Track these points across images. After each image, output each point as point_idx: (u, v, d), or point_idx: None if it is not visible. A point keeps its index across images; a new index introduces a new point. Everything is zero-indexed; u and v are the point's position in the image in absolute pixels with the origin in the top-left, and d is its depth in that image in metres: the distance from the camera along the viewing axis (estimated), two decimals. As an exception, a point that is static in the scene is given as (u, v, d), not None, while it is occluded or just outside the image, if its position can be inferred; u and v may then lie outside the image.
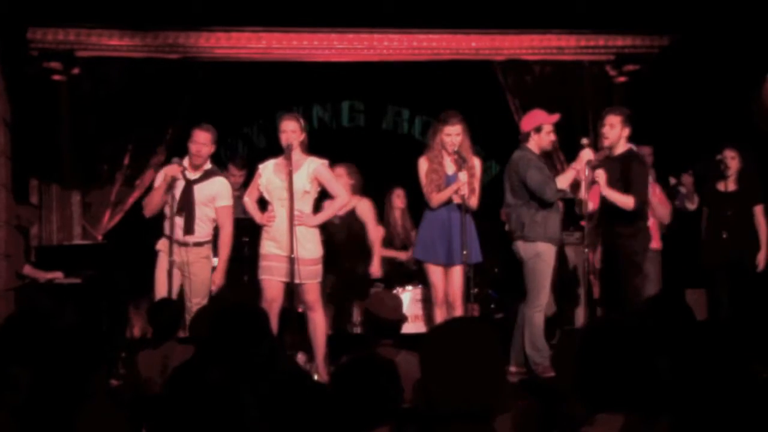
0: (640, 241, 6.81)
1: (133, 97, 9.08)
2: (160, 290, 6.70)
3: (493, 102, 9.61)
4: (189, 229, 6.78)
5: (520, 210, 6.80)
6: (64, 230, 9.11)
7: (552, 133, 6.92)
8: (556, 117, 6.95)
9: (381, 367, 2.88)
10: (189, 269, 6.79)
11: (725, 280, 7.71)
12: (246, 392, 2.66)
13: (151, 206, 6.92)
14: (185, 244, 6.79)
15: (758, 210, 7.75)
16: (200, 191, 6.85)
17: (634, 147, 6.97)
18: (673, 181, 8.45)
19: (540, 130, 6.88)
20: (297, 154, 6.65)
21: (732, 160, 7.79)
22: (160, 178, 6.91)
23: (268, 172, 6.74)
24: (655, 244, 7.96)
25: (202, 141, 6.82)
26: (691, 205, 8.22)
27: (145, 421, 3.32)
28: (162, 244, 6.85)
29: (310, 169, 6.67)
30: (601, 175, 6.66)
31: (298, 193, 6.60)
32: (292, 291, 6.58)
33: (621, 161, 6.75)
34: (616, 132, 6.76)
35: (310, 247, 6.64)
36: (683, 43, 9.19)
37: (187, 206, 6.78)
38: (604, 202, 6.74)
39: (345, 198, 6.81)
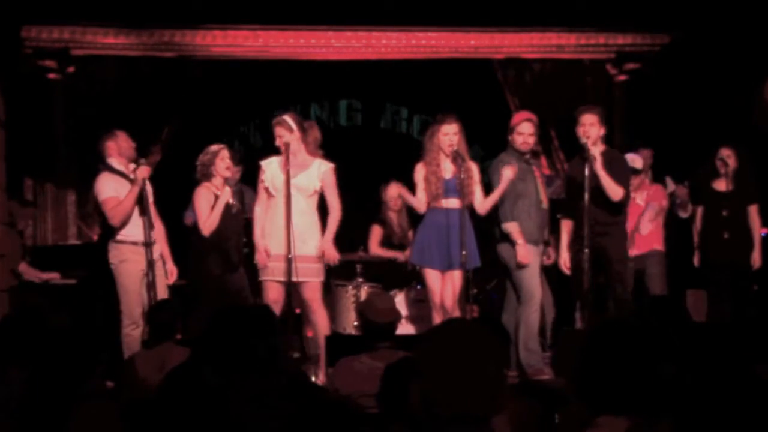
0: (622, 238, 6.88)
1: (129, 96, 9.06)
2: (137, 297, 6.67)
3: (493, 101, 9.57)
4: (152, 225, 6.76)
5: (498, 212, 6.84)
6: (59, 230, 9.06)
7: (523, 134, 6.85)
8: (522, 117, 6.93)
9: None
10: (154, 268, 6.74)
11: (727, 280, 7.67)
12: (242, 394, 2.63)
13: (125, 213, 6.72)
14: (149, 244, 6.75)
15: (752, 210, 7.75)
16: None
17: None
18: (671, 187, 8.40)
19: (512, 131, 6.90)
20: (302, 153, 6.69)
21: (728, 158, 7.76)
22: (114, 186, 6.80)
23: (273, 168, 6.72)
24: (659, 245, 7.93)
25: (131, 143, 6.93)
26: (684, 214, 8.23)
27: (140, 423, 3.26)
28: (132, 252, 6.75)
29: (321, 170, 6.69)
30: (597, 153, 6.60)
31: (309, 191, 6.63)
32: (290, 291, 6.54)
33: (603, 158, 6.72)
34: (596, 130, 6.73)
35: (313, 244, 6.62)
36: (684, 42, 9.17)
37: (147, 205, 6.74)
38: (593, 201, 6.68)
39: (339, 211, 6.75)
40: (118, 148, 6.86)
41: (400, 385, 3.18)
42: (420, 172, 6.85)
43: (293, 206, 6.54)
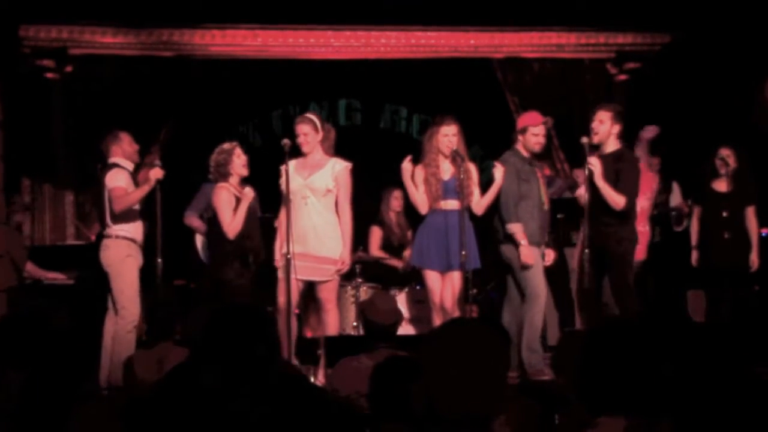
0: (629, 240, 6.76)
1: (127, 96, 9.04)
2: (138, 294, 6.65)
3: (492, 100, 9.56)
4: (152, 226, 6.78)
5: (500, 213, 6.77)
6: (56, 230, 9.04)
7: (539, 135, 6.80)
8: (540, 120, 6.85)
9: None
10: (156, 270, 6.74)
11: (726, 281, 7.65)
12: (239, 395, 2.61)
13: (130, 204, 6.68)
14: (142, 247, 6.78)
15: (750, 211, 7.71)
16: None
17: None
18: (677, 199, 8.35)
19: (525, 131, 6.81)
20: (318, 153, 6.70)
21: (728, 158, 7.73)
22: (127, 180, 6.79)
23: (291, 172, 6.67)
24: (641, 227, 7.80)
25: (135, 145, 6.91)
26: (678, 228, 8.23)
27: (139, 424, 3.25)
28: (133, 249, 6.73)
29: (335, 170, 6.69)
30: (596, 164, 6.57)
31: (321, 191, 6.64)
32: (289, 291, 6.51)
33: (612, 160, 6.68)
34: (605, 128, 6.68)
35: (331, 245, 6.64)
36: (684, 41, 9.18)
37: (154, 207, 6.74)
38: (593, 201, 6.64)
39: (350, 216, 6.75)
40: (123, 152, 6.84)
41: (388, 384, 3.16)
42: (419, 173, 6.82)
43: (310, 207, 6.59)
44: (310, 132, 6.63)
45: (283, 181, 6.68)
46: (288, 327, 6.64)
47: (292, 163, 6.69)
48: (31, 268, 7.71)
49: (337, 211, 6.74)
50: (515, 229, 6.65)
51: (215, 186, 6.81)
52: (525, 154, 6.82)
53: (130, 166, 6.88)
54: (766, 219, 7.94)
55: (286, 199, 6.51)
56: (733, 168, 7.72)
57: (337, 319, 6.74)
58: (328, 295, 6.66)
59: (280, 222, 6.75)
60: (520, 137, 6.82)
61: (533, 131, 6.79)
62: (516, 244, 6.66)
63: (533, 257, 6.67)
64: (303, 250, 6.54)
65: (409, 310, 7.89)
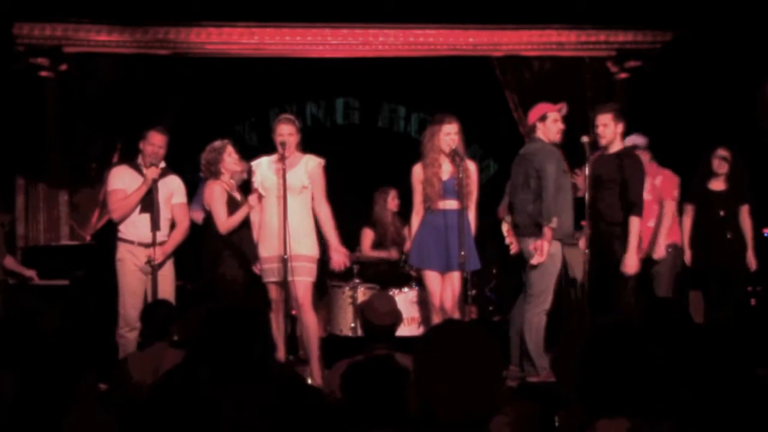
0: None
1: (122, 94, 9.03)
2: (134, 298, 6.60)
3: (491, 99, 9.55)
4: (157, 225, 6.68)
5: (534, 205, 6.52)
6: (51, 230, 9.00)
7: (558, 121, 6.69)
8: (560, 105, 6.77)
9: (397, 371, 3.01)
10: (157, 270, 6.67)
11: (725, 281, 7.60)
12: (236, 395, 2.59)
13: (127, 210, 6.69)
14: (151, 245, 6.66)
15: (744, 210, 7.67)
16: (160, 189, 6.76)
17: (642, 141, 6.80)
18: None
19: (545, 118, 6.67)
20: (294, 153, 6.64)
21: (727, 158, 7.68)
22: (123, 178, 6.75)
23: (263, 170, 6.67)
24: (675, 238, 7.73)
25: (159, 144, 6.79)
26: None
27: (134, 425, 3.20)
28: (126, 251, 6.70)
29: (309, 166, 6.62)
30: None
31: (297, 189, 6.55)
32: (287, 292, 6.46)
33: (616, 157, 6.65)
34: (610, 130, 6.67)
35: (307, 243, 6.55)
36: (685, 39, 9.18)
37: (152, 205, 6.66)
38: (595, 201, 6.55)
39: (329, 210, 6.68)
40: (152, 149, 6.77)
41: (360, 389, 3.12)
42: (418, 175, 6.75)
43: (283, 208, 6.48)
44: (293, 133, 6.59)
45: (255, 179, 6.64)
46: (284, 328, 6.61)
47: (264, 161, 6.68)
48: (9, 262, 7.61)
49: (313, 208, 6.67)
50: (553, 225, 6.46)
51: (207, 183, 6.81)
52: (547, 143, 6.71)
53: (146, 162, 6.75)
54: (766, 219, 7.90)
55: (284, 198, 6.44)
56: (729, 168, 7.68)
57: (314, 318, 6.66)
58: (302, 293, 6.54)
59: (254, 222, 6.70)
60: (539, 126, 6.66)
61: (553, 117, 6.67)
62: (536, 239, 6.49)
63: (546, 256, 6.50)
64: (279, 252, 6.46)
65: (409, 311, 7.83)
